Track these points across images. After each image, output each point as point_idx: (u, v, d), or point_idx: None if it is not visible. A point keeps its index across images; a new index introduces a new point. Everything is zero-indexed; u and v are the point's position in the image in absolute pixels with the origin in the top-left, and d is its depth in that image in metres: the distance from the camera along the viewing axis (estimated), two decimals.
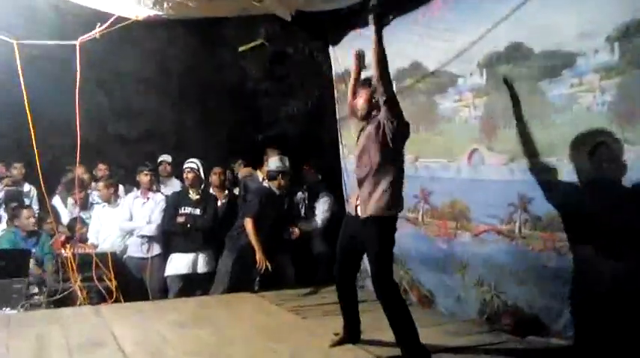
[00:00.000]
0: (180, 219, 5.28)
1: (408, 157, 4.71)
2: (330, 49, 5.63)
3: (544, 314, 3.65)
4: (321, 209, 5.65)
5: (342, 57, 5.47)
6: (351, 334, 3.55)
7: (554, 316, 3.58)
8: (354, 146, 3.54)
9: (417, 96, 4.62)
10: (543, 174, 3.59)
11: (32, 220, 5.25)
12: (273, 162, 5.10)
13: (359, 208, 3.28)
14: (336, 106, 5.65)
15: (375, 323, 3.59)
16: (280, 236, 5.26)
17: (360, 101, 3.39)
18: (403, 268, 4.74)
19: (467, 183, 4.16)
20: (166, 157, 6.36)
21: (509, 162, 3.81)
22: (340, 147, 5.65)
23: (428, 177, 4.53)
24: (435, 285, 4.49)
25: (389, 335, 3.28)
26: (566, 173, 3.46)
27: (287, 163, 5.08)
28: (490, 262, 3.96)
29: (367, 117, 3.38)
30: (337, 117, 5.65)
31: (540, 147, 3.61)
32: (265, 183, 5.33)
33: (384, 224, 3.22)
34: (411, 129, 4.69)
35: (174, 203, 5.43)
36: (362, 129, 3.40)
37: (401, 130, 3.23)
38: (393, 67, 4.72)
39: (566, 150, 3.45)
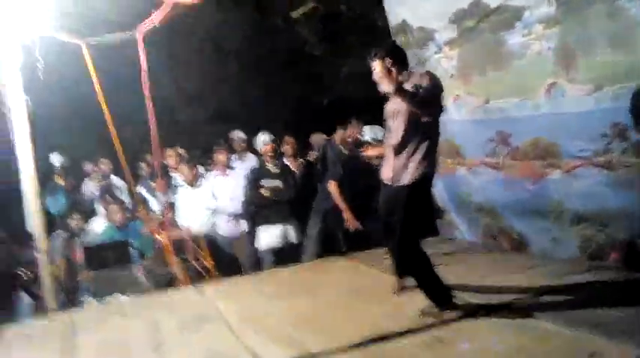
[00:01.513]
0: (265, 193, 5.34)
1: (477, 100, 4.59)
2: (385, 1, 5.46)
3: None
4: None
5: (397, 8, 5.30)
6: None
7: None
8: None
9: (482, 36, 4.41)
10: (635, 100, 3.36)
11: (120, 214, 5.46)
12: (369, 132, 4.93)
13: (393, 177, 3.28)
14: None
15: (464, 273, 3.75)
16: (369, 201, 5.21)
17: (376, 73, 3.27)
18: (489, 215, 4.65)
19: (548, 118, 3.98)
20: (239, 133, 6.44)
21: (595, 92, 3.60)
22: None
23: (503, 119, 4.37)
24: (526, 228, 4.38)
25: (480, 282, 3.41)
26: None
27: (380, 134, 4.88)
28: (589, 197, 3.80)
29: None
30: None
31: (628, 72, 3.38)
32: (343, 149, 5.29)
33: (416, 187, 3.21)
34: (478, 70, 4.59)
35: (254, 177, 5.48)
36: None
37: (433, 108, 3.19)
38: (452, 9, 4.61)
39: None
